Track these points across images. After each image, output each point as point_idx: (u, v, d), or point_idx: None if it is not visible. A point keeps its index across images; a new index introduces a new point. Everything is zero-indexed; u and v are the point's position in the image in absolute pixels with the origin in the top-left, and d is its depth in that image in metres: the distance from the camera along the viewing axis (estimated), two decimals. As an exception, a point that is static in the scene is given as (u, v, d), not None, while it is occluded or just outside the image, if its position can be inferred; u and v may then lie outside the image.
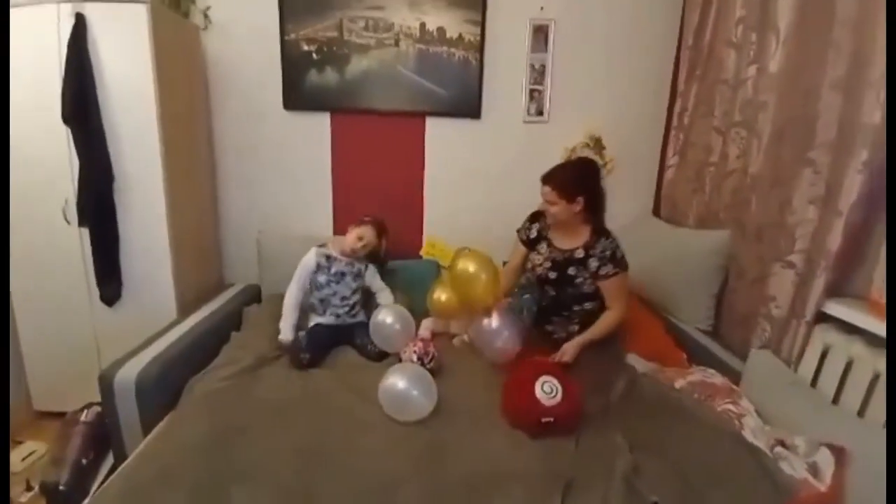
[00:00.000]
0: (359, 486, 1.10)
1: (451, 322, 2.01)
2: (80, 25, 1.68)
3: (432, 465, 1.18)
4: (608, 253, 1.64)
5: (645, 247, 2.21)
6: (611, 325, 1.67)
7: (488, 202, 2.40)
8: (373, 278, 1.94)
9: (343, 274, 1.85)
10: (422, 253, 2.26)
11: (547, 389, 1.32)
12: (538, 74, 2.30)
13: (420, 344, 1.68)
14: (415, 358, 1.63)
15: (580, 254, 1.67)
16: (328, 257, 1.85)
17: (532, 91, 2.32)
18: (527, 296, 1.74)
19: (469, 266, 1.59)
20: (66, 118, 1.70)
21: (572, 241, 1.70)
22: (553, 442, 1.27)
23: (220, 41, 2.15)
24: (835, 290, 1.37)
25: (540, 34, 2.26)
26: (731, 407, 1.30)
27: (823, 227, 1.37)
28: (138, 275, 1.87)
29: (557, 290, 1.72)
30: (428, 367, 1.62)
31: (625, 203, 2.40)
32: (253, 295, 2.22)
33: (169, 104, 1.81)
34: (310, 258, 1.84)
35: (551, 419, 1.29)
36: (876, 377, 1.22)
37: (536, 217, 1.82)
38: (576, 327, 1.72)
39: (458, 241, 2.23)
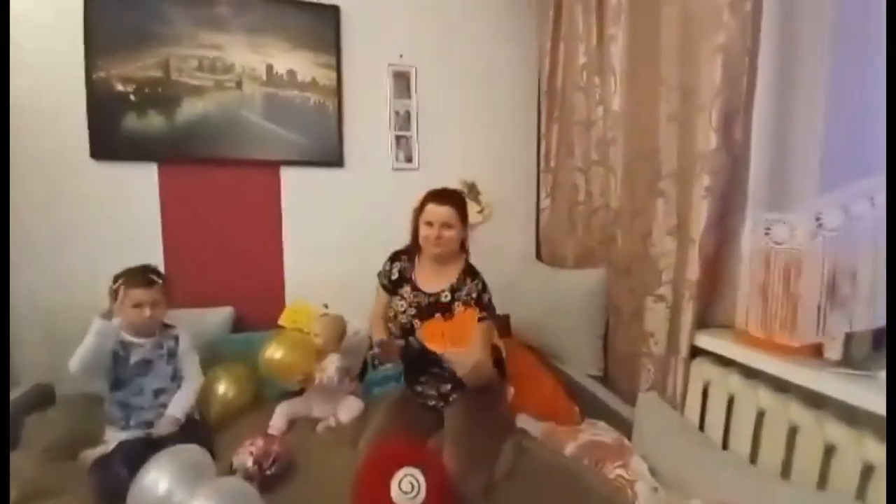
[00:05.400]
0: None
1: (313, 405, 1.65)
2: None
3: None
4: (474, 294, 1.43)
5: (529, 292, 2.10)
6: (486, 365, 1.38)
7: (358, 257, 2.13)
8: (185, 355, 1.51)
9: (149, 362, 1.43)
10: (281, 322, 1.89)
11: (406, 487, 1.03)
12: (403, 121, 2.19)
13: (260, 443, 1.29)
14: (249, 462, 1.24)
15: (446, 297, 1.45)
16: (124, 344, 1.41)
17: (399, 137, 2.19)
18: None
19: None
20: None
21: (439, 281, 1.48)
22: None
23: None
24: (704, 322, 1.31)
25: (402, 80, 2.18)
26: (622, 472, 1.12)
27: (682, 256, 1.33)
28: None
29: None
30: (269, 472, 1.24)
31: (506, 248, 2.32)
32: (41, 397, 1.65)
33: None
34: (107, 332, 1.36)
35: (415, 527, 0.99)
36: (760, 414, 1.12)
37: (397, 256, 1.60)
38: (448, 385, 1.47)
39: (326, 301, 1.93)
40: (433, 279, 1.50)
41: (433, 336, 1.36)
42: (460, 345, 1.29)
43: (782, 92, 1.14)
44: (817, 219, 0.96)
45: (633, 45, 1.56)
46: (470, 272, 1.48)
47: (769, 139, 1.13)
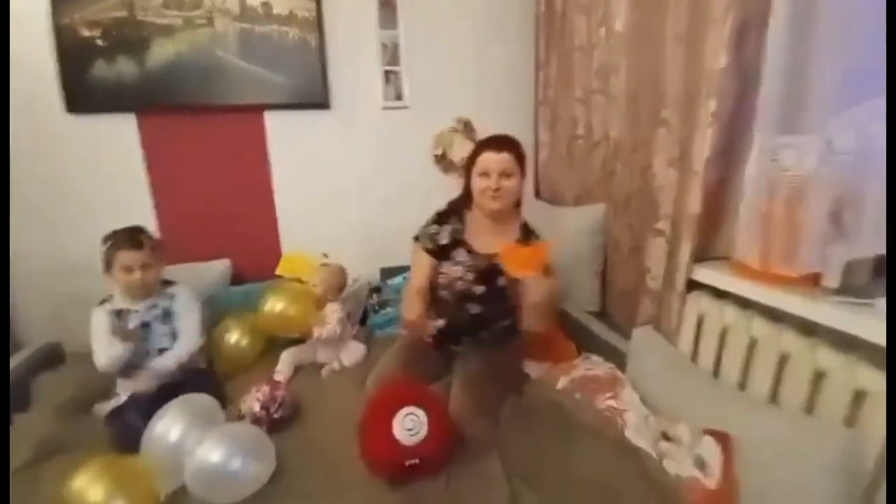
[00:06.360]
0: None
1: (317, 351, 1.69)
2: None
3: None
4: None
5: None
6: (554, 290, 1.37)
7: (351, 201, 2.11)
8: (182, 312, 1.49)
9: (146, 325, 1.43)
10: (277, 272, 1.89)
11: (408, 425, 1.07)
12: (391, 55, 2.05)
13: (265, 388, 1.34)
14: (257, 408, 1.29)
15: None
16: (119, 313, 1.41)
17: (388, 73, 2.06)
18: None
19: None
20: None
21: (496, 241, 1.33)
22: (419, 487, 1.03)
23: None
24: (701, 255, 1.28)
25: (388, 7, 2.01)
26: (613, 403, 1.15)
27: (683, 189, 1.27)
28: None
29: (483, 307, 1.37)
30: (276, 416, 1.30)
31: (504, 188, 2.26)
32: (51, 356, 1.70)
33: None
34: (101, 318, 1.40)
35: (416, 461, 1.04)
36: (752, 343, 1.13)
37: (445, 217, 1.42)
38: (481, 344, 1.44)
39: (323, 249, 1.92)
40: (489, 239, 1.36)
41: (514, 260, 1.27)
42: (538, 271, 1.24)
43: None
44: (828, 142, 0.89)
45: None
46: (528, 230, 1.39)
47: (784, 54, 1.02)
